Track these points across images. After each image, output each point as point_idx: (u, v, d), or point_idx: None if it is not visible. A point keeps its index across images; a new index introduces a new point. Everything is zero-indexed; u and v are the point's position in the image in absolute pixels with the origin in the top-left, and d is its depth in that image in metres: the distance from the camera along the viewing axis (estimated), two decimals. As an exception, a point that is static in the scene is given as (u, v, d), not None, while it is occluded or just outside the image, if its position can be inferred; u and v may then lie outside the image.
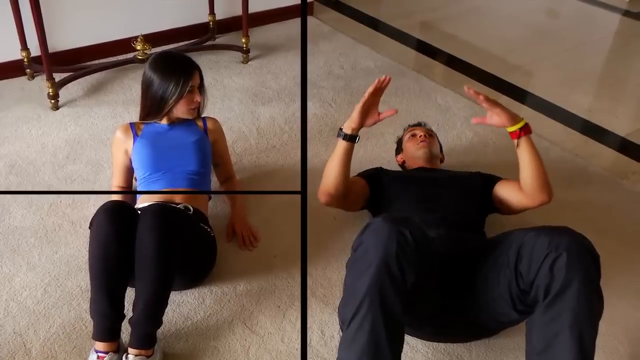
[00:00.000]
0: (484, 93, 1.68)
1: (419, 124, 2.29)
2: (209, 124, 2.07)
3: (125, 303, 1.60)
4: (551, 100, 3.00)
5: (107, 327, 1.55)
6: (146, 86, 1.91)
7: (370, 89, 1.71)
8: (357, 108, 1.72)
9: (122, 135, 1.98)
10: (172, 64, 1.91)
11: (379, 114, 1.76)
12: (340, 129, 1.76)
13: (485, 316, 1.54)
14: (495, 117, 1.72)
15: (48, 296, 1.78)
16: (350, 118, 1.74)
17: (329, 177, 1.78)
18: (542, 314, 1.33)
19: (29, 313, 1.73)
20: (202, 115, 2.09)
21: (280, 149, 2.52)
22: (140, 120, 2.00)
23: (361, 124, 1.74)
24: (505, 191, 1.88)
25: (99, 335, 1.54)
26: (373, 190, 1.93)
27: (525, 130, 1.70)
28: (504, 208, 1.90)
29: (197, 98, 1.94)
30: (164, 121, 1.99)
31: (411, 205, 1.84)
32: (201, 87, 1.99)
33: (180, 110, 1.94)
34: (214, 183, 2.21)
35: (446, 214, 1.78)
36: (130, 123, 2.00)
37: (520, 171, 1.76)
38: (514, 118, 1.71)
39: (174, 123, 2.00)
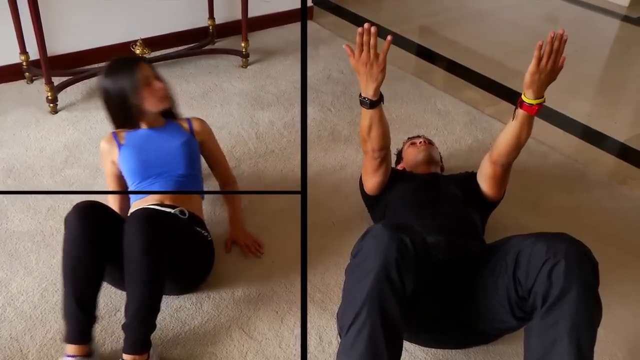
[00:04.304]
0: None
1: (417, 136, 2.30)
2: (195, 125, 2.02)
3: (125, 305, 1.58)
4: (550, 106, 3.00)
5: (76, 330, 1.53)
6: (105, 96, 1.87)
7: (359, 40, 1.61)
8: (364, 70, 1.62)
9: (106, 145, 1.94)
10: (118, 65, 1.87)
11: (378, 55, 1.60)
12: (363, 98, 1.66)
13: (484, 322, 1.53)
14: (537, 73, 1.59)
15: (45, 301, 1.77)
16: (367, 82, 1.63)
17: (376, 138, 1.74)
18: (541, 321, 1.32)
19: (26, 318, 1.72)
20: (190, 117, 2.05)
21: (279, 154, 2.52)
22: (115, 130, 1.95)
23: (378, 78, 1.61)
24: (481, 167, 1.92)
25: (68, 338, 1.53)
26: (389, 181, 1.95)
27: (539, 108, 1.66)
28: (483, 186, 1.92)
29: (158, 84, 1.88)
30: (144, 125, 1.93)
31: (410, 211, 1.84)
32: (158, 77, 1.91)
33: (150, 104, 1.87)
34: (214, 187, 2.20)
35: (445, 220, 1.77)
36: (113, 132, 1.95)
37: (502, 133, 1.76)
38: (540, 91, 1.64)
39: (156, 127, 1.95)
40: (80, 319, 1.53)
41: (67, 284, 1.54)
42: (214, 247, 1.92)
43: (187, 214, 1.80)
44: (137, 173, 1.89)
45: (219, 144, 2.13)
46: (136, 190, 1.90)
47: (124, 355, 1.52)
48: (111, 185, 2.00)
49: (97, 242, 1.55)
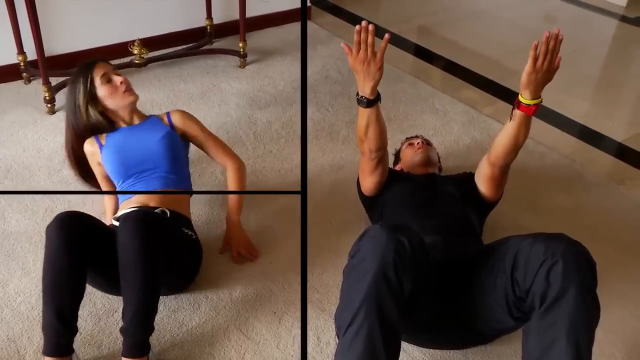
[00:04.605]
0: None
1: (415, 136, 2.30)
2: (174, 118, 1.99)
3: (122, 309, 1.58)
4: (548, 105, 2.99)
5: (54, 342, 1.50)
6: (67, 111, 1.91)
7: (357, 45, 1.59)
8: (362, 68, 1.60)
9: (90, 148, 1.92)
10: (74, 72, 1.87)
11: (375, 54, 1.59)
12: (360, 97, 1.66)
13: (482, 323, 1.53)
14: (534, 73, 1.59)
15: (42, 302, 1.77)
16: (364, 81, 1.62)
17: (373, 138, 1.74)
18: (539, 321, 1.33)
19: (23, 319, 1.72)
20: (170, 110, 2.03)
21: (277, 154, 2.51)
22: (80, 143, 1.93)
23: (375, 76, 1.60)
24: (479, 168, 1.91)
25: (46, 350, 1.50)
26: (387, 181, 1.94)
27: (536, 108, 1.65)
28: (481, 186, 1.91)
29: (119, 78, 1.87)
30: (122, 124, 1.92)
31: (408, 211, 1.84)
32: (117, 73, 1.90)
33: (116, 100, 1.87)
34: (212, 186, 2.20)
35: (442, 220, 1.77)
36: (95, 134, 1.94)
37: (500, 134, 1.76)
38: (536, 91, 1.63)
39: (135, 123, 1.93)
40: (59, 332, 1.50)
41: (46, 295, 1.52)
42: (211, 248, 1.91)
43: (168, 214, 1.76)
44: (119, 174, 1.87)
45: (206, 129, 2.06)
46: (122, 190, 1.87)
47: (123, 359, 1.51)
48: (103, 186, 1.98)
49: (77, 253, 1.53)
